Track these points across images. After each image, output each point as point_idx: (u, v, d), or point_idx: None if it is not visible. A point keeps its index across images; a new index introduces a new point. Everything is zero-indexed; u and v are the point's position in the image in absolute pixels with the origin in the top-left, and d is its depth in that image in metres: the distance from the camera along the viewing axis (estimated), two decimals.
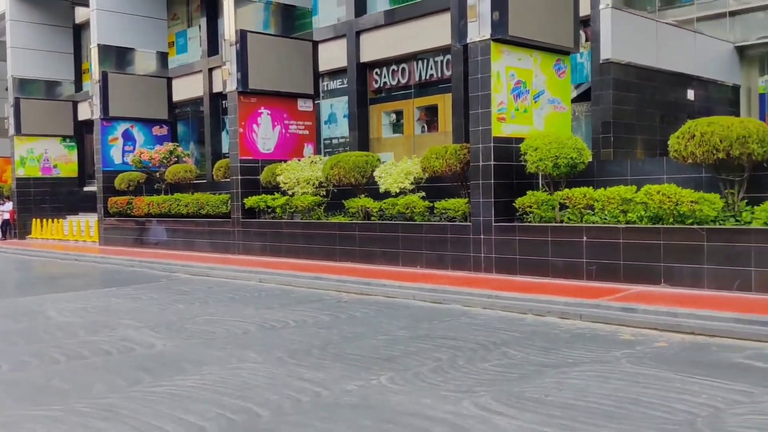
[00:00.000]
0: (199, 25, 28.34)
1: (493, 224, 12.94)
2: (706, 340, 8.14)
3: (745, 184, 10.78)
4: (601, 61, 15.56)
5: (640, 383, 6.31)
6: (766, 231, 9.93)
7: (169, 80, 26.20)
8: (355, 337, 8.67)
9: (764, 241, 9.89)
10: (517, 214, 12.91)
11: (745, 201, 10.75)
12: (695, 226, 10.54)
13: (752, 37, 19.31)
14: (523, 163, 12.79)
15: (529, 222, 12.69)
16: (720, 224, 10.55)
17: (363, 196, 15.80)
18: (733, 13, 19.39)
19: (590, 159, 13.03)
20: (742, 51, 19.60)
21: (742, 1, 19.32)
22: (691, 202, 10.53)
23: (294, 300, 12.00)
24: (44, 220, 29.65)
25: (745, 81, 19.89)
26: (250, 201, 18.29)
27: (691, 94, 17.59)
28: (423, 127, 21.11)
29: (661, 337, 8.37)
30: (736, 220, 10.56)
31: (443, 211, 14.13)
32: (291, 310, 10.84)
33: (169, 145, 23.62)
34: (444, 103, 19.97)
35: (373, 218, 15.55)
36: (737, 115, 18.62)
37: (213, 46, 26.90)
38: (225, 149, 25.98)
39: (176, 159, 23.29)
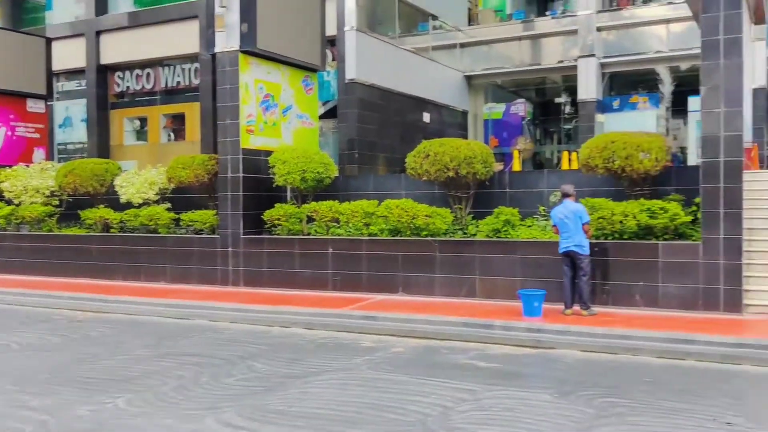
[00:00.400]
0: None
1: (242, 237, 12.86)
2: (437, 343, 8.81)
3: (471, 200, 11.91)
4: (346, 81, 16.24)
5: (379, 388, 6.66)
6: (489, 242, 11.05)
7: None
8: (90, 359, 8.08)
9: (486, 251, 10.98)
10: (266, 226, 12.97)
11: (471, 215, 11.87)
12: (429, 238, 11.40)
13: (478, 68, 21.45)
14: (271, 176, 12.89)
15: (278, 234, 12.81)
16: (450, 236, 11.53)
17: (102, 206, 14.81)
18: (462, 45, 21.39)
19: (336, 174, 13.51)
20: (470, 80, 21.67)
21: (470, 35, 21.39)
22: (426, 216, 11.38)
23: (18, 320, 10.87)
24: None
25: (472, 107, 22.00)
26: None
27: (427, 117, 19.03)
28: (170, 135, 20.35)
29: (398, 342, 8.90)
30: (464, 233, 11.62)
31: (190, 224, 13.72)
32: (15, 332, 9.80)
33: None
34: (192, 111, 19.44)
35: (112, 230, 14.63)
36: (466, 137, 20.49)
37: None
38: None
39: None
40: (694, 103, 17.39)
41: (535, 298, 9.46)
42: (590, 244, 9.74)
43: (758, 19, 12.17)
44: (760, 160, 15.68)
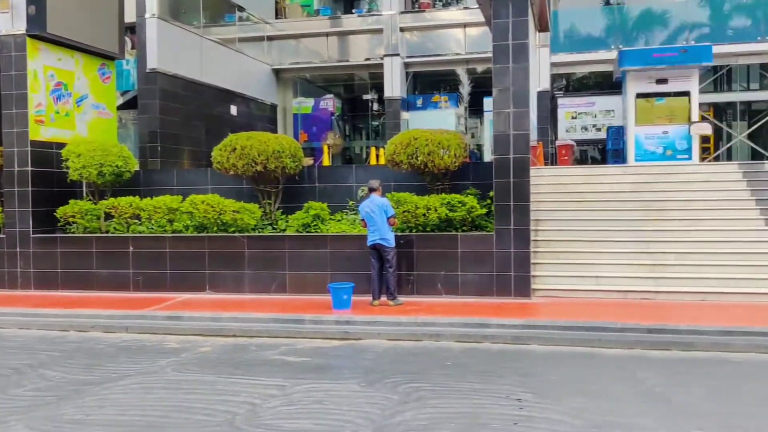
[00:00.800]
0: None
1: (31, 236, 11.86)
2: (247, 341, 8.70)
3: (281, 195, 11.87)
4: (147, 70, 15.50)
5: (184, 389, 6.45)
6: (298, 237, 11.08)
7: None
8: None
9: (296, 246, 11.01)
10: (59, 224, 12.06)
11: (281, 210, 11.84)
12: (237, 235, 11.21)
13: (286, 62, 21.39)
14: (65, 170, 12.01)
15: (73, 233, 11.96)
16: (259, 232, 11.41)
17: None
18: (270, 38, 21.20)
19: (137, 168, 12.89)
20: (278, 73, 21.55)
21: (278, 28, 21.27)
22: (234, 211, 11.17)
23: None
24: None
25: (281, 101, 21.90)
26: None
27: (234, 110, 18.66)
28: None
29: (206, 342, 8.67)
30: (273, 228, 11.56)
31: None
32: None
33: None
34: None
35: None
36: (275, 132, 20.38)
37: None
38: None
39: None
40: (488, 103, 18.60)
41: (344, 291, 9.64)
42: (396, 236, 10.10)
43: (542, 27, 13.26)
44: (545, 157, 17.14)
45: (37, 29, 11.81)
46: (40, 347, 8.46)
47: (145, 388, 6.51)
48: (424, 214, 10.60)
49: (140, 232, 11.77)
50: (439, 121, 18.58)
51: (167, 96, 15.79)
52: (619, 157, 16.86)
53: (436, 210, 10.56)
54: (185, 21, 16.93)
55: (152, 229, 11.80)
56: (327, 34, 21.23)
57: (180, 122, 16.24)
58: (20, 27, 11.77)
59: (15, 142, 11.85)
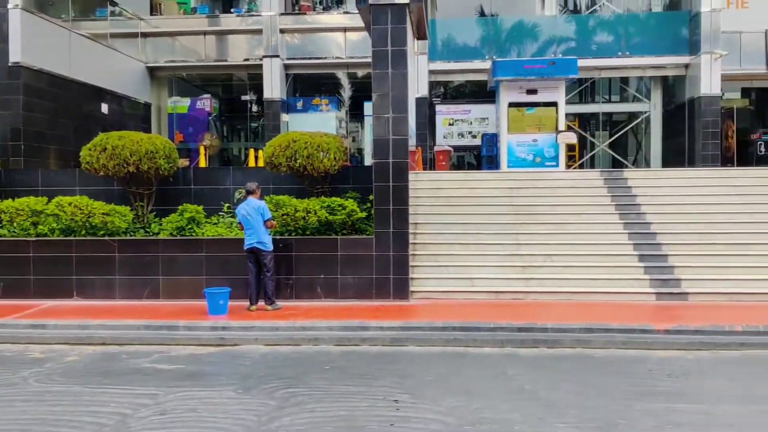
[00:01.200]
0: None
1: None
2: (117, 349, 8.35)
3: (154, 197, 11.48)
4: (10, 64, 14.57)
5: (48, 401, 6.12)
6: (173, 241, 10.75)
7: None
8: None
9: (170, 250, 10.67)
10: None
11: (154, 213, 11.45)
12: (107, 238, 10.73)
13: (161, 60, 20.70)
14: None
15: None
16: (131, 236, 10.99)
17: None
18: (145, 35, 20.46)
19: None
20: (153, 71, 20.83)
21: (153, 25, 20.57)
22: (103, 214, 10.70)
23: None
24: None
25: (156, 99, 21.17)
26: None
27: (105, 108, 17.85)
28: None
29: (72, 351, 8.25)
30: (146, 232, 11.16)
31: None
32: None
33: None
34: None
35: None
36: (149, 131, 19.67)
37: None
38: None
39: None
40: (369, 107, 18.79)
41: (219, 296, 9.45)
42: (275, 240, 10.02)
43: (421, 35, 13.53)
44: (423, 162, 17.52)
45: None
46: None
47: (5, 401, 6.12)
48: (303, 218, 10.58)
49: (1, 236, 11.03)
50: (319, 124, 18.59)
51: (32, 92, 14.89)
52: (493, 163, 17.49)
53: (315, 213, 10.56)
54: (52, 14, 16.04)
55: (14, 232, 11.09)
56: (204, 33, 20.73)
57: (46, 120, 15.36)
58: None
59: None
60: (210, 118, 21.54)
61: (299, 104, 21.11)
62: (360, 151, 21.06)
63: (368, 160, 19.46)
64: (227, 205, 11.63)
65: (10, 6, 14.53)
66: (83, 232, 10.83)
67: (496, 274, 10.85)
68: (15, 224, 11.04)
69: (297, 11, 20.90)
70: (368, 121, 19.52)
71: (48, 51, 15.46)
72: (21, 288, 10.78)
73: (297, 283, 10.56)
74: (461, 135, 20.33)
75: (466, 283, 10.73)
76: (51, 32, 15.73)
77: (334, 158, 11.00)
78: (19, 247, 10.81)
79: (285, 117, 20.11)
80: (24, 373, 7.15)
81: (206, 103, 21.45)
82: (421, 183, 13.26)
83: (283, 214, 10.58)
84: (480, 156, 19.02)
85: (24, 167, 14.30)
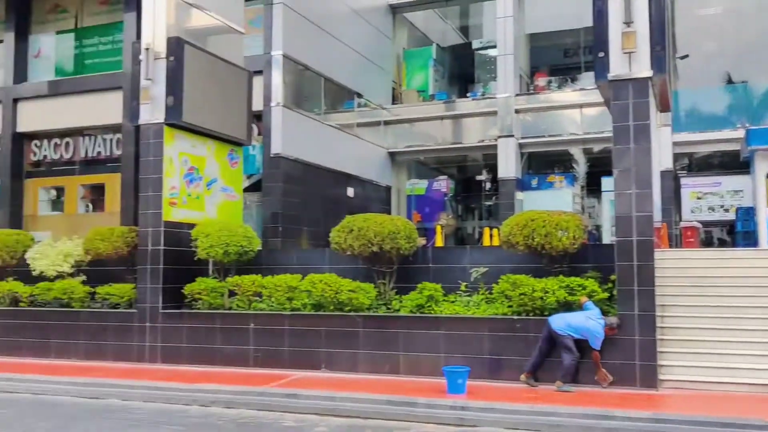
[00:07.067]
0: None
1: (160, 311, 12.46)
2: (362, 422, 8.66)
3: (395, 275, 11.96)
4: (271, 155, 16.31)
5: None
6: (412, 318, 11.06)
7: None
8: None
9: (410, 327, 10.98)
10: (186, 300, 12.62)
11: (395, 290, 11.90)
12: (353, 314, 11.33)
13: (401, 145, 21.94)
14: (194, 249, 12.64)
15: (198, 309, 12.48)
16: (374, 312, 11.49)
17: (12, 279, 14.10)
18: (386, 123, 21.90)
19: (260, 247, 13.38)
20: (393, 156, 22.11)
21: (394, 113, 21.95)
22: (350, 291, 11.33)
23: None
24: None
25: (396, 182, 22.37)
26: None
27: (351, 192, 19.21)
28: (88, 206, 19.78)
29: (321, 421, 8.70)
30: (388, 308, 11.61)
31: (106, 297, 13.23)
32: None
33: None
34: (112, 182, 19.00)
35: (21, 304, 13.91)
36: (389, 212, 20.75)
37: None
38: None
39: None
40: (607, 183, 18.22)
41: (458, 375, 9.47)
42: (512, 320, 9.92)
43: (663, 107, 12.98)
44: (669, 238, 16.47)
45: (174, 118, 12.73)
46: (162, 420, 8.75)
47: None
48: (541, 297, 10.36)
49: (261, 310, 12.13)
50: (554, 201, 18.37)
51: (289, 179, 16.49)
52: (750, 239, 15.95)
53: (554, 293, 10.30)
54: (307, 108, 17.79)
55: (272, 306, 12.13)
56: (441, 118, 21.68)
57: (300, 204, 16.85)
58: (159, 117, 12.73)
59: (150, 223, 12.64)
60: (446, 198, 22.22)
61: (533, 182, 21.07)
62: (598, 228, 20.36)
63: (606, 238, 18.72)
64: (464, 284, 11.76)
65: (272, 104, 16.39)
66: (331, 307, 11.54)
67: (758, 364, 9.70)
68: (273, 299, 12.09)
69: (531, 91, 21.13)
70: (606, 197, 18.90)
71: (303, 142, 17.11)
72: (276, 358, 11.68)
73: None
74: (711, 209, 18.91)
75: (724, 373, 9.70)
76: (306, 125, 17.43)
77: (573, 237, 10.72)
78: (276, 320, 11.79)
79: (519, 195, 20.14)
80: None
81: (443, 184, 22.22)
82: (667, 261, 12.40)
83: (520, 294, 10.46)
84: (733, 231, 17.47)
85: (281, 247, 15.73)
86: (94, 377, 11.05)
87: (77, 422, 8.68)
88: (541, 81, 21.87)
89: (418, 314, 11.18)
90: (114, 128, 18.95)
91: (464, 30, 28.71)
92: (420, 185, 22.54)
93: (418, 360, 10.90)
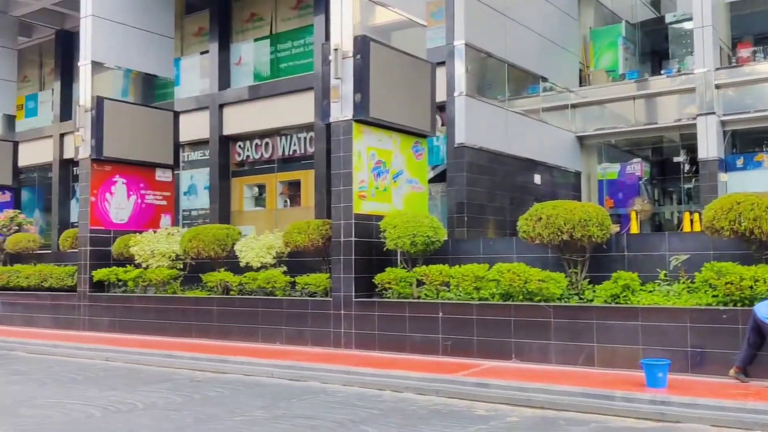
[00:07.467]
0: (53, 89, 27.23)
1: (353, 300, 13.00)
2: (554, 414, 8.49)
3: (587, 264, 11.56)
4: (455, 145, 16.37)
5: None
6: (607, 308, 10.63)
7: (15, 144, 24.69)
8: (210, 419, 8.31)
9: (605, 317, 10.57)
10: (377, 289, 13.07)
11: (587, 280, 11.51)
12: (543, 304, 11.11)
13: (590, 128, 21.11)
14: (382, 240, 13.05)
15: (388, 298, 12.87)
16: (565, 302, 11.19)
17: (222, 269, 15.42)
18: (574, 106, 21.16)
19: (446, 237, 13.51)
20: (582, 140, 21.33)
21: (582, 96, 21.16)
22: (539, 280, 11.12)
23: (142, 380, 11.36)
24: None
25: (585, 168, 21.58)
26: (99, 273, 17.31)
27: (537, 179, 18.81)
28: (286, 201, 21.13)
29: (513, 411, 8.64)
30: (580, 298, 11.26)
31: (304, 286, 14.06)
32: (139, 391, 10.24)
33: (10, 212, 22.08)
34: (307, 178, 20.16)
35: (232, 293, 15.19)
36: (579, 199, 20.07)
37: (66, 111, 25.83)
38: (74, 218, 24.70)
39: (18, 227, 21.78)
40: None
41: (658, 368, 8.97)
42: (719, 310, 9.20)
43: None
44: None
45: (362, 115, 13.19)
46: (359, 404, 9.13)
47: None
48: (750, 287, 9.53)
49: (449, 299, 12.26)
50: (763, 182, 16.79)
51: (473, 168, 16.48)
52: None
53: (765, 281, 9.43)
54: (490, 96, 17.65)
55: (460, 296, 12.22)
56: (633, 98, 20.56)
57: (485, 193, 16.79)
58: (347, 114, 13.24)
59: (341, 216, 13.21)
60: (640, 182, 21.10)
61: (739, 162, 19.38)
62: None
63: None
64: (663, 272, 11.11)
65: (455, 94, 16.43)
66: (520, 297, 11.40)
67: None
68: (461, 288, 12.16)
69: (733, 64, 19.44)
70: None
71: (487, 130, 17.00)
72: (465, 347, 11.75)
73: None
74: None
75: None
76: (489, 113, 17.30)
77: None
78: (464, 309, 11.85)
79: (723, 176, 18.61)
80: (471, 429, 7.71)
81: (636, 167, 21.11)
82: None
83: (726, 283, 9.69)
84: None
85: (467, 237, 15.77)
86: (294, 360, 11.78)
87: (283, 402, 9.31)
88: (744, 52, 19.99)
89: (613, 304, 10.73)
90: (307, 127, 20.07)
91: (655, 4, 27.02)
92: (612, 169, 21.58)
93: (613, 352, 10.47)
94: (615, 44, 22.98)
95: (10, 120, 24.90)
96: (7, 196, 24.40)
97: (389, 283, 12.77)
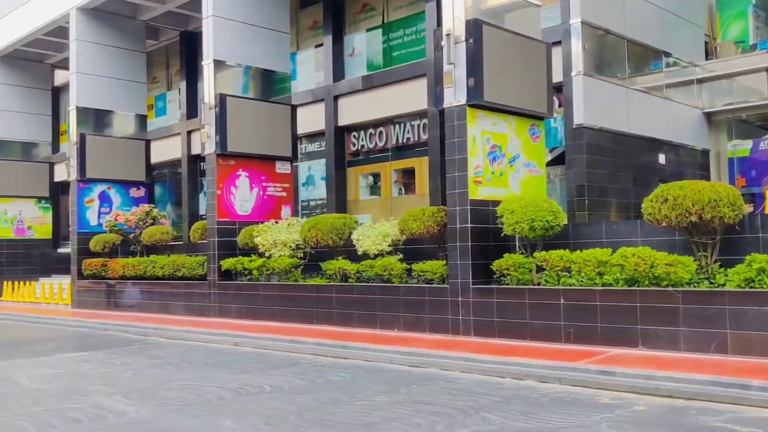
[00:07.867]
0: (179, 89, 28.66)
1: (471, 286, 12.95)
2: (684, 403, 8.13)
3: (718, 247, 10.95)
4: (574, 126, 15.90)
5: None
6: (741, 293, 10.05)
7: (148, 142, 26.24)
8: (333, 403, 8.54)
9: (739, 303, 9.99)
10: (495, 276, 12.94)
11: (718, 263, 10.90)
12: (670, 289, 10.63)
13: (719, 104, 19.92)
14: (499, 225, 12.90)
15: (507, 284, 12.72)
16: (694, 287, 10.66)
17: (340, 258, 15.77)
18: (700, 81, 20.03)
19: (565, 222, 13.19)
20: (709, 117, 20.17)
21: (709, 69, 19.99)
22: (666, 264, 10.65)
23: (270, 364, 11.82)
24: (16, 282, 29.12)
25: (713, 145, 20.40)
26: (227, 263, 18.16)
27: (662, 158, 17.97)
28: (400, 189, 21.29)
29: (640, 400, 8.34)
30: (710, 283, 10.69)
31: (421, 273, 14.12)
32: (267, 375, 10.67)
33: (146, 207, 23.52)
34: (421, 165, 20.20)
35: (350, 280, 15.50)
36: (708, 178, 19.04)
37: (192, 109, 27.16)
38: (202, 211, 25.95)
39: (152, 221, 23.16)
40: None
41: None
42: None
43: None
44: None
45: (475, 99, 13.06)
46: (479, 391, 9.09)
47: None
48: None
49: (570, 285, 11.97)
50: None
51: (593, 150, 15.95)
52: None
53: None
54: (609, 74, 17.00)
55: (582, 281, 11.90)
56: (766, 70, 19.21)
57: (606, 175, 16.23)
58: (461, 99, 13.14)
59: (456, 202, 13.16)
60: None
61: None
62: None
63: None
64: None
65: (573, 74, 15.94)
66: (646, 282, 10.96)
67: None
68: (583, 274, 11.84)
69: None
70: None
71: (607, 109, 16.40)
72: (588, 334, 11.44)
73: None
74: None
75: None
76: (608, 92, 16.67)
77: None
78: (587, 295, 11.53)
79: None
80: (596, 418, 7.51)
81: None
82: None
83: None
84: None
85: (588, 220, 15.32)
86: (413, 347, 11.88)
87: (404, 387, 9.42)
88: None
89: (747, 289, 10.12)
90: (420, 114, 20.09)
91: None
92: (743, 146, 20.27)
93: (749, 339, 9.88)
94: (744, 13, 21.53)
95: (142, 120, 26.46)
96: (141, 192, 26.01)
97: (507, 269, 12.61)
